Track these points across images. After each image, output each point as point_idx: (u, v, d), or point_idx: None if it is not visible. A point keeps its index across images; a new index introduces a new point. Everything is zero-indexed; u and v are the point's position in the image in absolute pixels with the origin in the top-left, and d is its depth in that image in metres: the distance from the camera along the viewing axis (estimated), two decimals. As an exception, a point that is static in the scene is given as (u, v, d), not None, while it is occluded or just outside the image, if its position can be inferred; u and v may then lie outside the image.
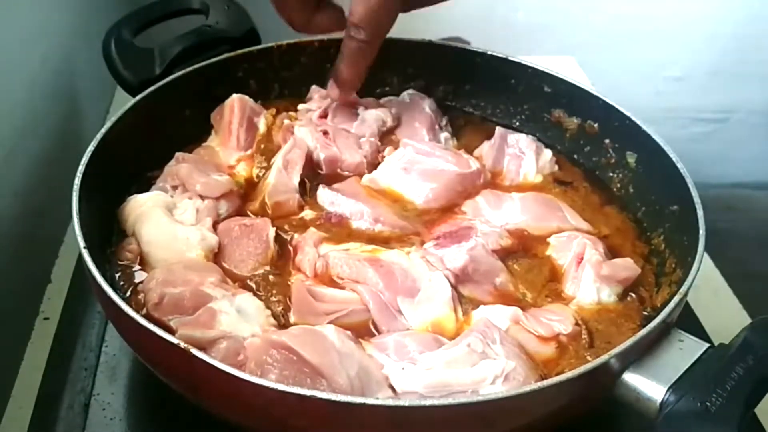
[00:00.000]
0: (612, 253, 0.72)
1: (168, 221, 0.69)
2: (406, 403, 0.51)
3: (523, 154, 0.83)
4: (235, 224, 0.70)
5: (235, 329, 0.59)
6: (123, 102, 0.78)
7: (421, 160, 0.78)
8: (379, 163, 0.80)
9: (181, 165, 0.74)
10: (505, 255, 0.70)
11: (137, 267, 0.67)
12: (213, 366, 0.51)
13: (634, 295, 0.68)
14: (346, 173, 0.80)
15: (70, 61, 1.02)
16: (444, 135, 0.86)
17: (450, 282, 0.65)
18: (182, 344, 0.53)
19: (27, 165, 0.87)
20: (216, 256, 0.68)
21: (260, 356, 0.55)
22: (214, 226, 0.70)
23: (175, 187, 0.74)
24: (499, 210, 0.75)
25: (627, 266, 0.69)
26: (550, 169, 0.83)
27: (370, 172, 0.79)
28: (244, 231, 0.69)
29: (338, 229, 0.72)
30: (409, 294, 0.64)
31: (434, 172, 0.77)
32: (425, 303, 0.64)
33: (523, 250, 0.72)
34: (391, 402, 0.53)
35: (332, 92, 0.80)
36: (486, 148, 0.84)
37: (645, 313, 0.67)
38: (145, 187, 0.75)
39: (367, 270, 0.65)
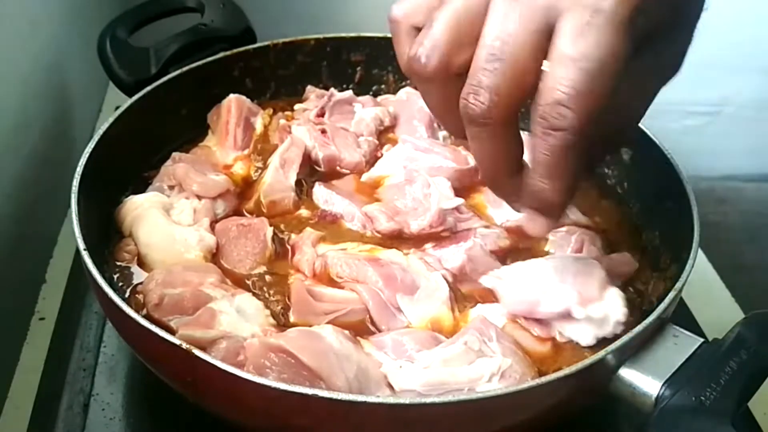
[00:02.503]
0: (610, 247, 0.73)
1: (165, 222, 0.69)
2: (407, 401, 0.52)
3: (518, 150, 0.83)
4: (232, 224, 0.70)
5: (236, 329, 0.59)
6: (115, 101, 0.77)
7: (419, 157, 0.78)
8: (378, 160, 0.80)
9: (177, 165, 0.74)
10: (505, 254, 0.70)
11: (135, 267, 0.67)
12: (215, 366, 0.52)
13: (631, 289, 0.69)
14: (345, 171, 0.80)
15: (61, 59, 1.02)
16: (442, 133, 0.86)
17: (448, 281, 0.66)
18: (184, 345, 0.53)
19: (19, 164, 0.86)
20: (214, 255, 0.68)
21: (258, 360, 0.55)
22: (212, 226, 0.70)
23: (171, 187, 0.74)
24: (500, 208, 0.75)
25: (624, 261, 0.69)
26: (547, 164, 0.84)
27: (368, 170, 0.79)
28: (241, 231, 0.70)
29: (335, 228, 0.73)
30: (408, 292, 0.65)
31: (432, 169, 0.77)
32: (424, 301, 0.64)
33: (524, 247, 0.72)
34: (392, 400, 0.53)
35: (537, 229, 0.52)
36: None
37: (643, 308, 0.68)
38: (141, 187, 0.75)
39: (367, 269, 0.65)
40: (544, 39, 0.43)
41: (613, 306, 0.62)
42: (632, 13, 0.42)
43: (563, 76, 0.42)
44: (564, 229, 0.73)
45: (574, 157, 0.45)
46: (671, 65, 0.51)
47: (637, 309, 0.67)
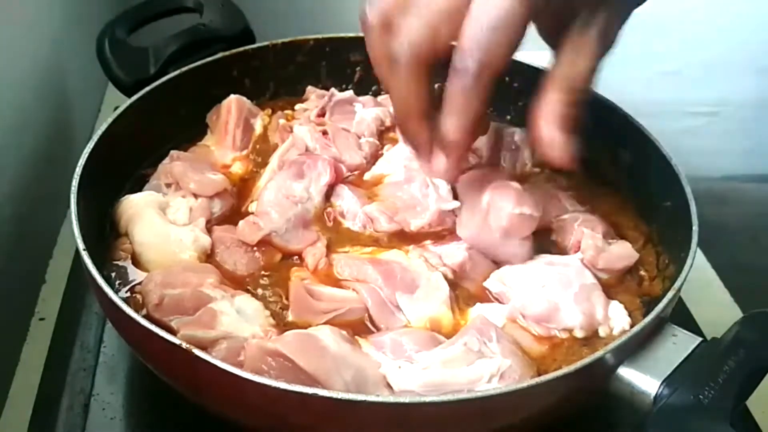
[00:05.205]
0: (614, 228, 0.74)
1: (161, 222, 0.68)
2: (407, 400, 0.52)
3: (518, 149, 0.83)
4: (228, 239, 0.69)
5: (236, 330, 0.59)
6: (114, 101, 0.77)
7: (420, 156, 0.78)
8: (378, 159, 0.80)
9: (175, 163, 0.74)
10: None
11: (130, 264, 0.67)
12: (216, 366, 0.52)
13: (630, 276, 0.70)
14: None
15: (61, 60, 1.02)
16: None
17: (448, 278, 0.66)
18: (184, 345, 0.53)
19: (18, 165, 0.86)
20: (210, 256, 0.68)
21: (256, 364, 0.55)
22: (209, 225, 0.70)
23: (168, 185, 0.74)
24: None
25: (623, 255, 0.70)
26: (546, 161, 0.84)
27: (370, 170, 0.79)
28: (237, 243, 0.69)
29: (334, 227, 0.72)
30: (408, 290, 0.65)
31: (433, 168, 0.77)
32: (423, 300, 0.65)
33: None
34: (391, 399, 0.54)
35: (437, 165, 0.60)
36: (481, 143, 0.84)
37: (645, 297, 0.68)
38: (139, 185, 0.75)
39: (367, 267, 0.65)
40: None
41: (617, 320, 0.64)
42: None
43: (468, 31, 0.52)
44: (566, 215, 0.74)
45: (473, 98, 0.55)
46: (602, 42, 0.59)
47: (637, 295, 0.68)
